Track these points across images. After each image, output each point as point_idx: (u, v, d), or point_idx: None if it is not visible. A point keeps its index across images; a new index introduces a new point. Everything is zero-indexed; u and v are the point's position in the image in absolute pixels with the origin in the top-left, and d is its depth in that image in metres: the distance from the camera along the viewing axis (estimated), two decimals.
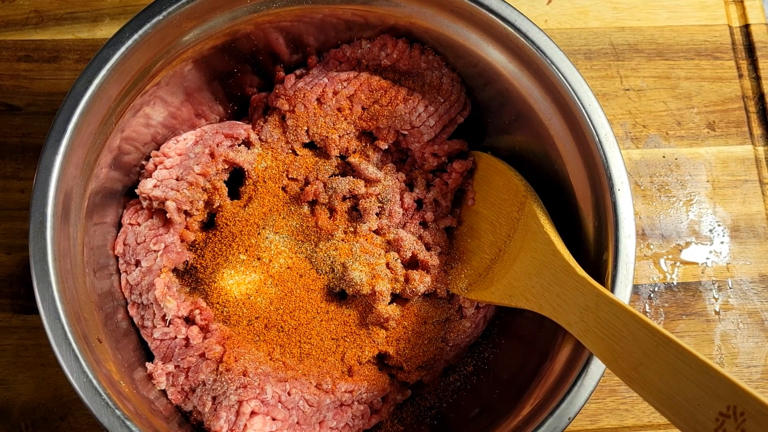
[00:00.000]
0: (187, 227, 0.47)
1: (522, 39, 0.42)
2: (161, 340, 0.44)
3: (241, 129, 0.49)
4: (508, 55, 0.44)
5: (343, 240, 0.48)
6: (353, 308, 0.48)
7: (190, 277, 0.47)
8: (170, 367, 0.43)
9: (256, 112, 0.51)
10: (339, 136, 0.49)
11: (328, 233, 0.48)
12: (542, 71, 0.43)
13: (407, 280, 0.47)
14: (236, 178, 0.50)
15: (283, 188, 0.49)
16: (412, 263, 0.49)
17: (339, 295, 0.49)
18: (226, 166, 0.48)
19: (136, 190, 0.46)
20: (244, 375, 0.43)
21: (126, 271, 0.45)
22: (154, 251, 0.45)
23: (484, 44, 0.45)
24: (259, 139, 0.50)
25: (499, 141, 0.50)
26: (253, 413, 0.42)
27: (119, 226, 0.46)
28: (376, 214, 0.49)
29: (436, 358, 0.48)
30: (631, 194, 0.41)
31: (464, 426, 0.46)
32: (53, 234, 0.39)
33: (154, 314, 0.44)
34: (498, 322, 0.50)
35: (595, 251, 0.43)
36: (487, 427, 0.42)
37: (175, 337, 0.44)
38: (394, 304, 0.48)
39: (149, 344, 0.45)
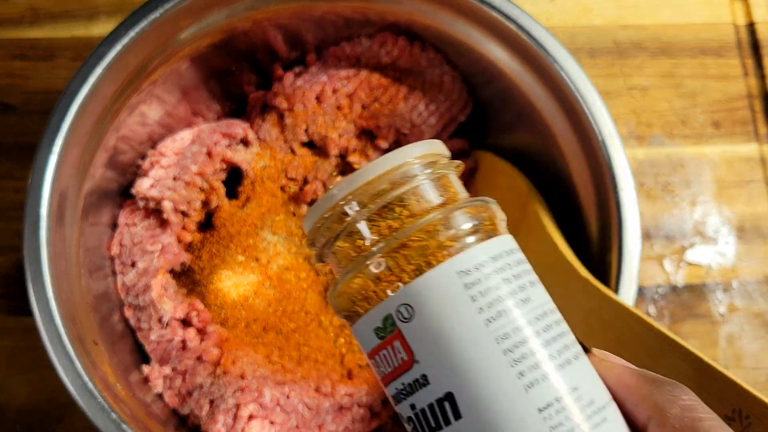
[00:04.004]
0: (184, 228, 0.47)
1: (524, 36, 0.42)
2: (158, 343, 0.44)
3: (239, 128, 0.48)
4: (511, 53, 0.44)
5: None
6: None
7: (187, 278, 0.47)
8: (167, 370, 0.43)
9: (254, 111, 0.50)
10: (338, 134, 0.49)
11: None
12: (545, 69, 0.42)
13: None
14: (234, 178, 0.49)
15: (282, 188, 0.49)
16: None
17: None
18: (224, 166, 0.48)
19: (131, 190, 0.45)
20: (242, 378, 0.42)
21: (122, 273, 0.45)
22: (151, 252, 0.45)
23: (485, 42, 0.44)
24: (257, 138, 0.49)
25: (502, 140, 0.49)
26: (251, 417, 0.41)
27: (115, 226, 0.46)
28: None
29: None
30: (635, 194, 0.41)
31: None
32: (48, 235, 0.38)
33: (151, 316, 0.44)
34: None
35: (598, 252, 0.42)
36: None
37: (172, 340, 0.44)
38: None
39: (145, 346, 0.44)
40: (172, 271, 0.47)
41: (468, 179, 0.50)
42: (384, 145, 0.49)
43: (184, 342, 0.44)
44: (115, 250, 0.45)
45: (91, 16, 0.56)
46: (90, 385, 0.37)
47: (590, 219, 0.43)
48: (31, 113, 0.54)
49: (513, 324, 0.22)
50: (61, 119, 0.39)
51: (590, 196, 0.43)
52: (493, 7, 0.42)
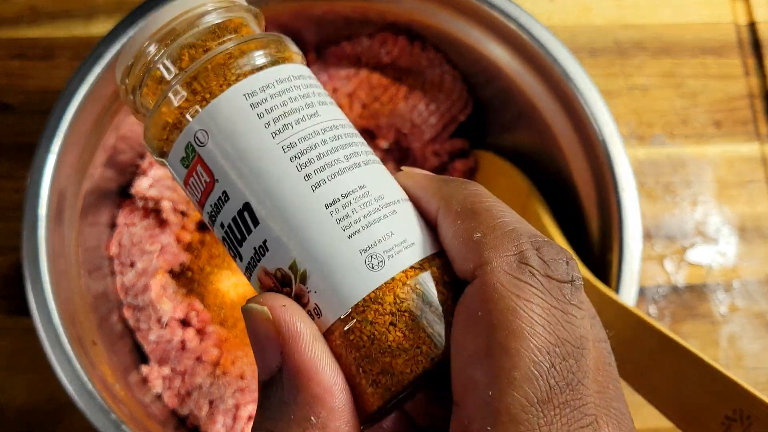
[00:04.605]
0: (183, 228, 0.47)
1: (525, 36, 0.42)
2: (157, 343, 0.44)
3: None
4: (511, 52, 0.44)
5: None
6: None
7: (187, 278, 0.47)
8: (166, 370, 0.43)
9: None
10: None
11: None
12: (545, 69, 0.42)
13: None
14: None
15: None
16: None
17: None
18: None
19: (130, 190, 0.45)
20: (242, 378, 0.42)
21: (121, 273, 0.45)
22: (150, 252, 0.44)
23: (486, 41, 0.44)
24: None
25: (502, 140, 0.49)
26: (250, 417, 0.41)
27: (114, 226, 0.46)
28: None
29: None
30: (636, 194, 0.41)
31: None
32: (47, 234, 0.38)
33: (150, 316, 0.44)
34: None
35: (599, 252, 0.42)
36: None
37: (171, 340, 0.44)
38: None
39: (144, 347, 0.44)
40: (171, 271, 0.46)
41: (468, 178, 0.50)
42: (384, 144, 0.49)
43: (183, 342, 0.44)
44: (114, 250, 0.45)
45: (90, 16, 0.56)
46: (89, 385, 0.37)
47: (591, 219, 0.43)
48: (30, 113, 0.53)
49: (299, 134, 0.23)
50: (60, 119, 0.39)
51: (591, 195, 0.43)
52: (494, 7, 0.42)
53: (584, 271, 0.39)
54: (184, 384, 0.43)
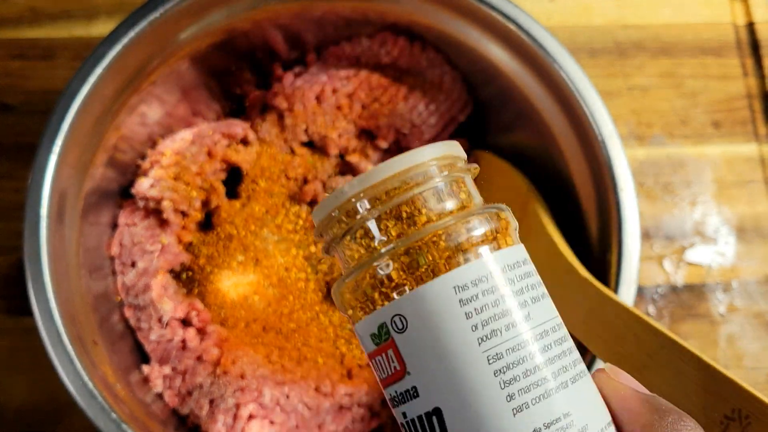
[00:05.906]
0: (184, 228, 0.47)
1: (524, 36, 0.42)
2: (158, 342, 0.44)
3: (239, 128, 0.48)
4: (510, 53, 0.44)
5: None
6: None
7: (187, 278, 0.47)
8: (167, 370, 0.43)
9: (254, 111, 0.50)
10: (338, 134, 0.49)
11: None
12: (545, 69, 0.42)
13: None
14: (234, 178, 0.49)
15: (282, 188, 0.49)
16: None
17: None
18: (224, 166, 0.48)
19: (131, 190, 0.45)
20: (242, 378, 0.42)
21: (122, 272, 0.45)
22: (151, 252, 0.44)
23: (485, 41, 0.44)
24: (257, 137, 0.49)
25: (501, 140, 0.49)
26: (251, 417, 0.41)
27: (115, 226, 0.46)
28: None
29: None
30: (635, 194, 0.41)
31: None
32: (48, 234, 0.38)
33: (151, 316, 0.44)
34: None
35: (598, 252, 0.42)
36: None
37: (172, 339, 0.44)
38: None
39: (145, 346, 0.44)
40: (171, 271, 0.46)
41: None
42: (384, 145, 0.49)
43: (184, 342, 0.44)
44: (115, 250, 0.45)
45: (90, 16, 0.56)
46: (90, 385, 0.37)
47: (590, 219, 0.43)
48: (30, 113, 0.54)
49: (507, 344, 0.21)
50: (61, 119, 0.39)
51: (590, 196, 0.43)
52: (493, 7, 0.42)
53: (583, 272, 0.39)
54: (184, 383, 0.43)
